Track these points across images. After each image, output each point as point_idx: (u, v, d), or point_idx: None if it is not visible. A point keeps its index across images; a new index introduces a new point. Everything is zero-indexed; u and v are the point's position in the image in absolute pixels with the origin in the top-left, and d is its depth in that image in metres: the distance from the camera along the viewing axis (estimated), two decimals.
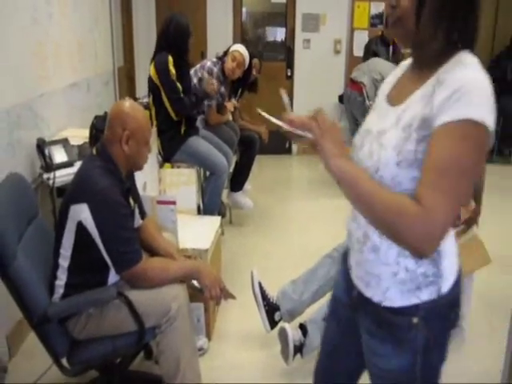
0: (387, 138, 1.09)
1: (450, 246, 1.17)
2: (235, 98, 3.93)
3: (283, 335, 2.30)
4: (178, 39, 3.20)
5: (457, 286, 1.19)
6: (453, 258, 1.19)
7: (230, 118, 3.72)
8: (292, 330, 2.29)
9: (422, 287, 1.13)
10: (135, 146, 1.88)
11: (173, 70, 3.16)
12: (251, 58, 3.91)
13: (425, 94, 1.07)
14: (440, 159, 0.99)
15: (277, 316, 2.42)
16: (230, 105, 3.68)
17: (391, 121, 1.11)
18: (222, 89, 3.63)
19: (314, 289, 2.43)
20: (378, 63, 4.65)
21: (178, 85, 3.18)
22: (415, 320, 1.14)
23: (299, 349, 2.28)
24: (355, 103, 4.53)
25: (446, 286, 1.15)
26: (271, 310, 2.42)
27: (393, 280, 1.14)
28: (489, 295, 3.00)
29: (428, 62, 1.12)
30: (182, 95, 3.19)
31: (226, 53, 3.70)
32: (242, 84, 3.85)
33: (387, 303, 1.16)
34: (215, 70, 3.59)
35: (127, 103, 1.92)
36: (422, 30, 1.07)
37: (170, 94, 3.18)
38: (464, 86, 1.00)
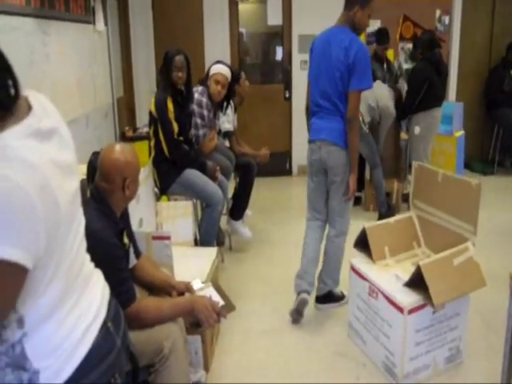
0: None
1: (47, 344, 1.08)
2: (222, 112, 3.95)
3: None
4: (162, 70, 3.25)
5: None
6: (59, 355, 1.10)
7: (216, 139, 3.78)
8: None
9: None
10: (135, 187, 1.94)
11: (171, 108, 3.20)
12: (236, 75, 4.00)
13: None
14: None
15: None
16: (213, 134, 3.72)
17: None
18: (211, 115, 3.67)
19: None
20: (375, 88, 4.65)
21: (175, 125, 3.22)
22: None
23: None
24: None
25: None
26: None
27: None
28: (486, 313, 2.99)
29: None
30: (176, 137, 3.24)
31: (207, 75, 3.69)
32: (227, 96, 3.85)
33: None
34: (204, 100, 3.61)
35: (118, 149, 1.91)
36: None
37: (166, 135, 3.23)
38: None
